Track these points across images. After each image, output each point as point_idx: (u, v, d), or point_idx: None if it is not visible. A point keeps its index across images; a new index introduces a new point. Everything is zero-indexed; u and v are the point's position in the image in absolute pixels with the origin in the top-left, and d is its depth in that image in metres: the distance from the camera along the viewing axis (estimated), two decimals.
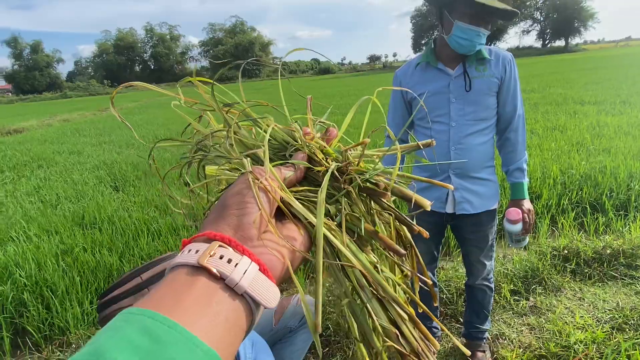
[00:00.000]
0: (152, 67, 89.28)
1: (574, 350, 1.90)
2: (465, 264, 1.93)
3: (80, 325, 2.50)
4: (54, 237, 3.61)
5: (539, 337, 2.07)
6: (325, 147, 0.49)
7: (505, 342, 2.08)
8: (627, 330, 2.05)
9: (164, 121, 12.76)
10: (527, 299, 2.41)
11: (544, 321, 2.19)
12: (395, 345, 0.40)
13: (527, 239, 1.78)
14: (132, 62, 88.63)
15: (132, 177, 5.79)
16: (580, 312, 2.21)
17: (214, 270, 0.32)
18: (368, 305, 0.41)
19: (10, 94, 75.55)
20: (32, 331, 2.45)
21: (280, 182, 0.42)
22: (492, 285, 1.94)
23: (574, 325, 2.09)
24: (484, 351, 1.98)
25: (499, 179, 1.85)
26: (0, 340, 2.44)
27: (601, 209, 3.36)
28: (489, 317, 2.02)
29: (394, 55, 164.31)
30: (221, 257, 0.33)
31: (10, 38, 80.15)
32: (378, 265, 0.43)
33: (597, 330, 2.03)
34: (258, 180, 0.39)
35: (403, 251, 0.42)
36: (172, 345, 0.27)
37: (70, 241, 3.48)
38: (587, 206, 3.40)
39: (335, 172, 0.45)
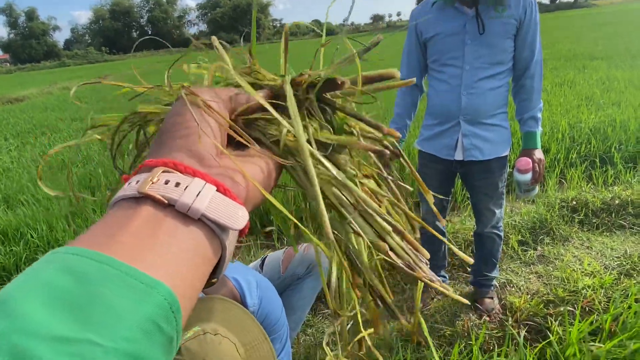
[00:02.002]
0: (150, 32, 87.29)
1: (582, 294, 1.92)
2: (475, 212, 1.93)
3: None
4: (63, 200, 3.64)
5: (546, 284, 2.09)
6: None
7: (513, 289, 2.11)
8: (635, 275, 2.07)
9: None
10: (535, 249, 2.43)
11: (551, 269, 2.21)
12: (387, 258, 0.38)
13: (537, 189, 1.77)
14: (129, 27, 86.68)
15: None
16: (588, 259, 2.23)
17: (158, 196, 0.27)
18: (351, 220, 0.37)
19: (8, 64, 74.48)
20: None
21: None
22: (501, 234, 1.95)
23: (582, 272, 2.11)
24: (491, 298, 2.01)
25: (512, 127, 1.81)
26: None
27: (610, 162, 3.33)
28: (497, 265, 2.04)
29: (398, 14, 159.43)
30: (167, 182, 0.28)
31: (5, 5, 78.34)
32: (357, 180, 0.40)
33: (605, 276, 2.05)
34: (197, 96, 0.34)
35: (386, 150, 0.39)
36: (102, 282, 0.22)
37: (79, 203, 3.51)
38: (596, 159, 3.36)
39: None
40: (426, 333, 0.49)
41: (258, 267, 1.68)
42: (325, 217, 0.33)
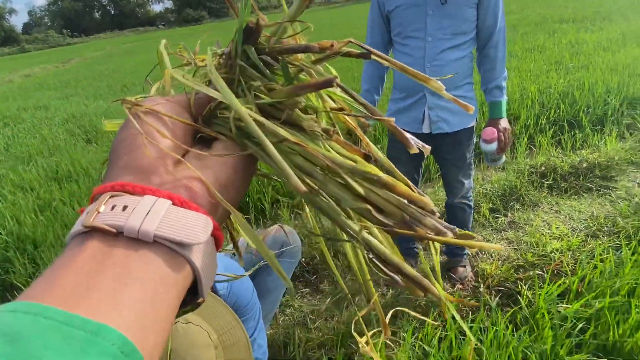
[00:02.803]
0: (113, 12, 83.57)
1: (551, 258, 1.98)
2: (445, 183, 1.95)
3: None
4: (30, 194, 3.52)
5: (517, 249, 2.15)
6: None
7: (485, 256, 2.16)
8: (601, 236, 2.14)
9: (132, 69, 12.15)
10: (506, 216, 2.48)
11: (521, 234, 2.27)
12: (379, 217, 0.31)
13: (503, 158, 1.79)
14: (90, 7, 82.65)
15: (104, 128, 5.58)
16: (556, 223, 2.29)
17: (104, 226, 0.25)
18: (321, 188, 0.31)
19: None
20: (21, 286, 2.45)
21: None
22: (471, 203, 1.97)
23: (551, 236, 2.17)
24: (464, 266, 2.06)
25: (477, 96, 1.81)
26: None
27: (578, 126, 3.40)
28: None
29: None
30: (113, 208, 0.25)
31: None
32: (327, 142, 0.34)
33: (573, 238, 2.11)
34: (139, 105, 0.31)
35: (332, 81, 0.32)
36: (36, 338, 0.19)
37: (47, 196, 3.40)
38: (565, 124, 3.42)
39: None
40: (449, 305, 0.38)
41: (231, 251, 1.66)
42: (291, 174, 0.29)
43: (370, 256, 0.33)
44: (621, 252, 1.86)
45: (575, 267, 1.90)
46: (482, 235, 2.33)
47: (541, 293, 1.65)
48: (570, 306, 1.61)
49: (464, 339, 1.56)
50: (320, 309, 1.96)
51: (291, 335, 1.83)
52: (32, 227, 2.89)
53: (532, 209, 2.51)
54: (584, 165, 2.79)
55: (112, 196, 0.26)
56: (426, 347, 1.57)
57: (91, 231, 0.25)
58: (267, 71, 0.35)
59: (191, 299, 0.28)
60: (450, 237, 0.31)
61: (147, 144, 0.29)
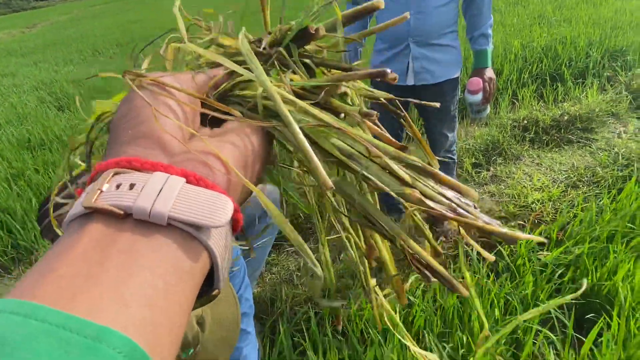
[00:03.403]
0: None
1: (532, 209, 2.00)
2: (428, 137, 1.92)
3: (47, 243, 2.45)
4: (1, 163, 3.39)
5: (498, 202, 2.17)
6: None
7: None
8: (581, 186, 2.16)
9: (102, 32, 11.58)
10: (488, 170, 2.49)
11: (503, 188, 2.28)
12: (426, 209, 0.29)
13: (488, 109, 1.76)
14: None
15: (76, 94, 5.36)
16: (537, 175, 2.31)
17: (108, 207, 0.21)
18: (365, 172, 0.29)
19: None
20: None
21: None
22: (455, 157, 1.96)
23: (532, 188, 2.19)
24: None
25: (462, 45, 1.76)
26: None
27: (560, 79, 3.38)
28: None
29: None
30: (118, 187, 0.22)
31: None
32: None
33: (553, 189, 2.13)
34: (144, 76, 0.28)
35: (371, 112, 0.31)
36: (26, 344, 0.16)
37: (19, 165, 3.28)
38: (547, 77, 3.40)
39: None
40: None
41: None
42: (320, 167, 0.26)
43: (409, 250, 0.31)
44: (601, 200, 1.89)
45: (555, 216, 1.93)
46: None
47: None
48: (550, 253, 1.64)
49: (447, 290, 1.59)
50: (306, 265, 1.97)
51: (278, 292, 1.83)
52: (5, 197, 2.79)
53: (514, 162, 2.52)
54: (566, 117, 2.80)
55: (116, 173, 0.23)
56: (411, 298, 1.60)
57: (93, 213, 0.21)
58: (304, 73, 0.35)
59: (205, 291, 0.24)
60: (497, 228, 0.30)
61: (157, 115, 0.25)
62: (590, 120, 2.76)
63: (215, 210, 0.22)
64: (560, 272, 1.58)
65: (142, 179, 0.22)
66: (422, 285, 1.64)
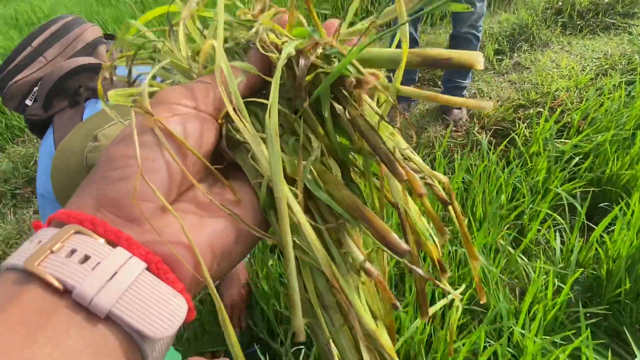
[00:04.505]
0: None
1: (555, 96, 1.82)
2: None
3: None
4: None
5: (519, 90, 1.98)
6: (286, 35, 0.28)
7: (484, 98, 2.00)
8: (613, 74, 1.95)
9: None
10: (511, 58, 2.25)
11: (526, 75, 2.07)
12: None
13: None
14: None
15: None
16: (566, 61, 2.08)
17: (50, 279, 0.18)
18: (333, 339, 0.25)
19: None
20: None
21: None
22: (479, 35, 1.75)
23: (558, 75, 1.98)
24: (460, 108, 1.91)
25: None
26: None
27: None
28: (470, 73, 1.88)
29: None
30: (72, 253, 0.19)
31: None
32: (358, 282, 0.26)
33: (581, 77, 1.92)
34: (152, 115, 0.23)
35: (405, 248, 0.23)
36: None
37: (8, 44, 3.09)
38: None
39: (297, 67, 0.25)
40: None
41: None
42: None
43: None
44: (634, 86, 1.70)
45: (579, 105, 1.76)
46: (482, 78, 2.14)
47: (538, 129, 1.53)
48: (569, 141, 1.51)
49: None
50: None
51: None
52: None
53: (541, 49, 2.27)
54: (606, 0, 2.46)
55: (77, 232, 0.20)
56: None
57: (33, 274, 0.18)
58: (331, 127, 0.26)
59: None
60: None
61: (145, 174, 0.21)
62: (634, 4, 2.43)
63: (167, 316, 0.20)
64: (576, 160, 1.45)
65: (100, 253, 0.20)
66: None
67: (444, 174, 1.48)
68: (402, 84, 0.25)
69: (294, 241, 0.24)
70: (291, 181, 0.25)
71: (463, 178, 1.43)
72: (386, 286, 0.26)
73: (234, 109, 0.24)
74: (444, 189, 0.30)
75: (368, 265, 0.25)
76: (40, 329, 0.17)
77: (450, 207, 0.31)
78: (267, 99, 0.24)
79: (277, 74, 0.24)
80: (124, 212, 0.21)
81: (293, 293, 0.23)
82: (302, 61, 0.25)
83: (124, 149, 0.23)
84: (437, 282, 0.28)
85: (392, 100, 0.26)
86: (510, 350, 1.02)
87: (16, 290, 0.18)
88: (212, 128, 0.25)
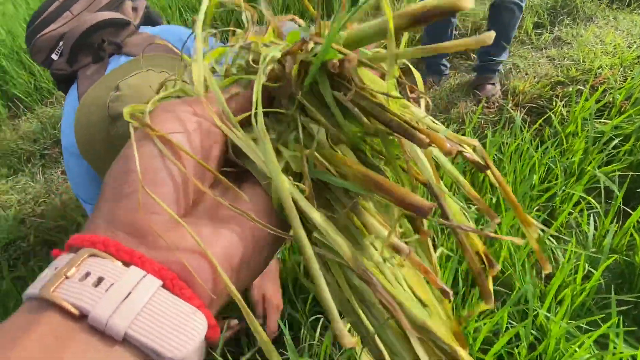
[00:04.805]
0: None
1: (597, 74, 1.72)
2: None
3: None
4: (19, 4, 3.22)
5: (558, 66, 1.87)
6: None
7: (520, 74, 1.90)
8: None
9: None
10: (551, 32, 2.13)
11: (566, 51, 1.96)
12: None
13: None
14: None
15: None
16: (611, 36, 1.95)
17: (65, 304, 0.18)
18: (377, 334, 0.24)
19: None
20: (22, 97, 2.38)
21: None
22: (523, 5, 1.66)
23: (602, 51, 1.87)
24: (493, 84, 1.83)
25: None
26: None
27: None
28: (509, 47, 1.79)
29: None
30: (86, 276, 0.19)
31: None
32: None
33: (627, 53, 1.81)
34: (152, 129, 0.23)
35: (428, 204, 0.21)
36: None
37: (39, 4, 3.11)
38: None
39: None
40: None
41: None
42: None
43: None
44: None
45: (623, 84, 1.65)
46: (519, 53, 2.03)
47: (577, 108, 1.45)
48: (609, 122, 1.42)
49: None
50: None
51: None
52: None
53: (585, 23, 2.14)
54: None
55: (91, 255, 0.20)
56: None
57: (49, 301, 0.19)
58: (338, 114, 0.26)
59: None
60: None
61: (151, 190, 0.21)
62: None
63: (185, 334, 0.19)
64: (616, 142, 1.38)
65: (113, 274, 0.19)
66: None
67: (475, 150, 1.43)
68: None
69: (316, 238, 0.23)
70: (300, 177, 0.25)
71: (494, 156, 1.38)
72: (427, 267, 0.24)
73: (222, 119, 0.24)
74: (475, 153, 0.28)
75: (396, 240, 0.23)
76: (58, 355, 0.17)
77: (488, 172, 0.29)
78: (281, 107, 0.26)
79: (259, 80, 0.25)
80: (135, 229, 0.21)
81: (322, 294, 0.22)
82: (289, 60, 0.25)
83: (126, 166, 0.22)
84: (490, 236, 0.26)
85: (390, 72, 0.25)
86: (534, 332, 0.99)
87: (34, 318, 0.18)
88: (216, 136, 0.25)
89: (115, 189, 0.22)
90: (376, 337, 0.24)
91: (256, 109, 0.24)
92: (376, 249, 0.25)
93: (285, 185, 0.22)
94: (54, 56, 0.99)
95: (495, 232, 0.26)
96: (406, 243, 0.24)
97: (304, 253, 0.22)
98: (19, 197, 1.81)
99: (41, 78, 2.43)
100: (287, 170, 0.25)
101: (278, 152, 0.25)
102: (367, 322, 0.24)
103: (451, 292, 0.24)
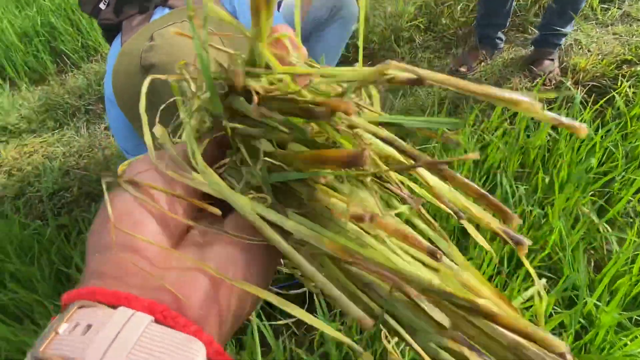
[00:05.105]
0: None
1: None
2: None
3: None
4: None
5: (625, 44, 1.73)
6: None
7: (582, 51, 1.77)
8: None
9: None
10: (620, 8, 1.96)
11: (635, 28, 1.80)
12: None
13: None
14: None
15: None
16: None
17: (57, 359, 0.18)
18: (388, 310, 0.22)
19: None
20: (69, 53, 2.42)
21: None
22: None
23: None
24: (552, 60, 1.71)
25: None
26: (44, 63, 2.46)
27: None
28: (574, 20, 1.65)
29: None
30: (75, 327, 0.19)
31: None
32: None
33: None
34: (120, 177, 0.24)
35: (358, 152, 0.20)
36: None
37: None
38: None
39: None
40: None
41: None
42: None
43: None
44: None
45: None
46: (581, 30, 1.89)
47: None
48: None
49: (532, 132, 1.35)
50: None
51: None
52: None
53: None
54: None
55: (81, 306, 0.20)
56: (487, 137, 1.39)
57: None
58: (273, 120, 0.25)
59: None
60: None
61: (121, 236, 0.22)
62: None
63: None
64: None
65: (101, 319, 0.19)
66: (502, 127, 1.41)
67: (527, 128, 1.34)
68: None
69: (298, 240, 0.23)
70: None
71: (548, 134, 1.29)
72: (405, 232, 0.23)
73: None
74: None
75: (356, 210, 0.23)
76: None
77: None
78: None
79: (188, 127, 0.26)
80: (122, 272, 0.21)
81: (326, 289, 0.22)
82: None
83: (102, 217, 0.23)
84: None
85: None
86: (581, 321, 0.94)
87: None
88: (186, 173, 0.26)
89: (96, 242, 0.23)
90: (387, 316, 0.23)
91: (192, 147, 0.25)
92: (359, 228, 0.24)
93: (243, 202, 0.23)
94: (102, 5, 0.98)
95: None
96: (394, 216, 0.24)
97: (290, 259, 0.22)
98: (64, 150, 1.87)
99: (88, 35, 2.47)
100: (249, 186, 0.25)
101: (240, 173, 0.26)
102: (373, 305, 0.23)
103: (440, 253, 0.22)
